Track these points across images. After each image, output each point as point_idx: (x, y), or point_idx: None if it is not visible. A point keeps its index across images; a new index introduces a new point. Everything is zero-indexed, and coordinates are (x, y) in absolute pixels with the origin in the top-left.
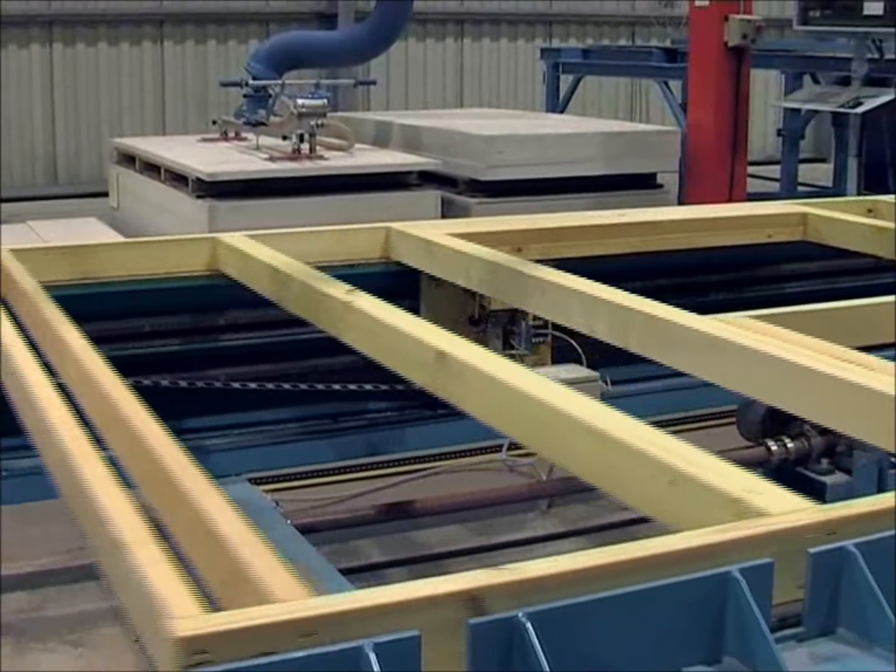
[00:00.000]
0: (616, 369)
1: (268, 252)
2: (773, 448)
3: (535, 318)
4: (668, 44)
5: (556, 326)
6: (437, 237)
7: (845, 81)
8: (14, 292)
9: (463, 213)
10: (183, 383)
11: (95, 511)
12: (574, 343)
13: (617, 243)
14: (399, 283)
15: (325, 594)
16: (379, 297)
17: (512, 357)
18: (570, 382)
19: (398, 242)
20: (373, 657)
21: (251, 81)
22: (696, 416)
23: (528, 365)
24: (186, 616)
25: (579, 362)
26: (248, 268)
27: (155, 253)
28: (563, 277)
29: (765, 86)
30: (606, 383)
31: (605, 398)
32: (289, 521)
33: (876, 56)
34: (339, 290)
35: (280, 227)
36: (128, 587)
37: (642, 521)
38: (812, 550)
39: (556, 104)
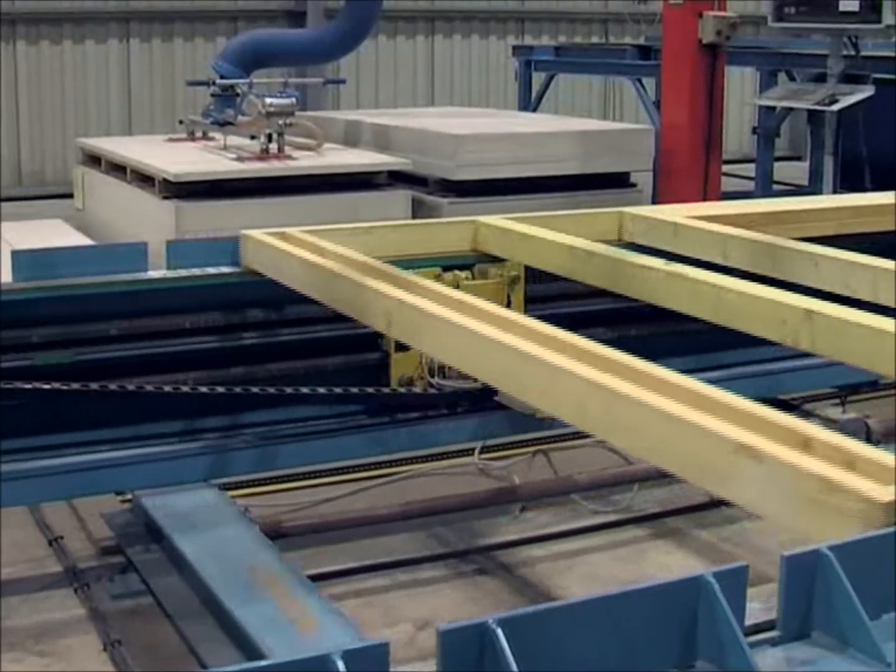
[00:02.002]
0: None
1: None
2: None
3: None
4: (641, 41)
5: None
6: (678, 219)
7: (821, 78)
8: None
9: (433, 213)
10: (150, 387)
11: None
12: None
13: (820, 226)
14: None
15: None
16: None
17: None
18: None
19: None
20: None
21: (219, 80)
22: None
23: None
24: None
25: None
26: (538, 249)
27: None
28: (834, 251)
29: (740, 83)
30: None
31: None
32: (258, 527)
33: (852, 53)
34: (657, 262)
35: (248, 227)
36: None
37: (618, 524)
38: (786, 554)
39: (529, 102)
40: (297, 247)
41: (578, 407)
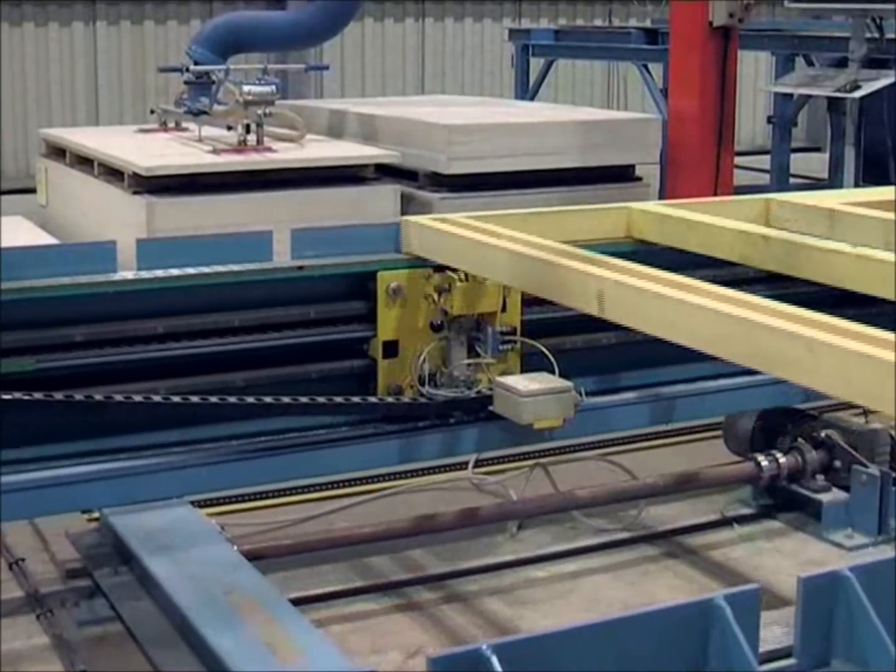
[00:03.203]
0: (589, 379)
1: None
2: (764, 463)
3: (503, 322)
4: (647, 24)
5: (524, 332)
6: (834, 206)
7: (842, 63)
8: None
9: (423, 209)
10: (118, 397)
11: None
12: (545, 350)
13: None
14: None
15: (275, 624)
16: None
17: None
18: (541, 393)
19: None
20: None
21: (193, 67)
22: (677, 430)
23: (493, 374)
24: None
25: (551, 371)
26: (705, 235)
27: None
28: None
29: (754, 69)
30: (581, 394)
31: (580, 411)
32: (235, 547)
33: (875, 35)
34: (842, 246)
35: (224, 225)
36: None
37: (622, 543)
38: (803, 575)
39: (526, 90)
40: (470, 231)
41: (844, 380)
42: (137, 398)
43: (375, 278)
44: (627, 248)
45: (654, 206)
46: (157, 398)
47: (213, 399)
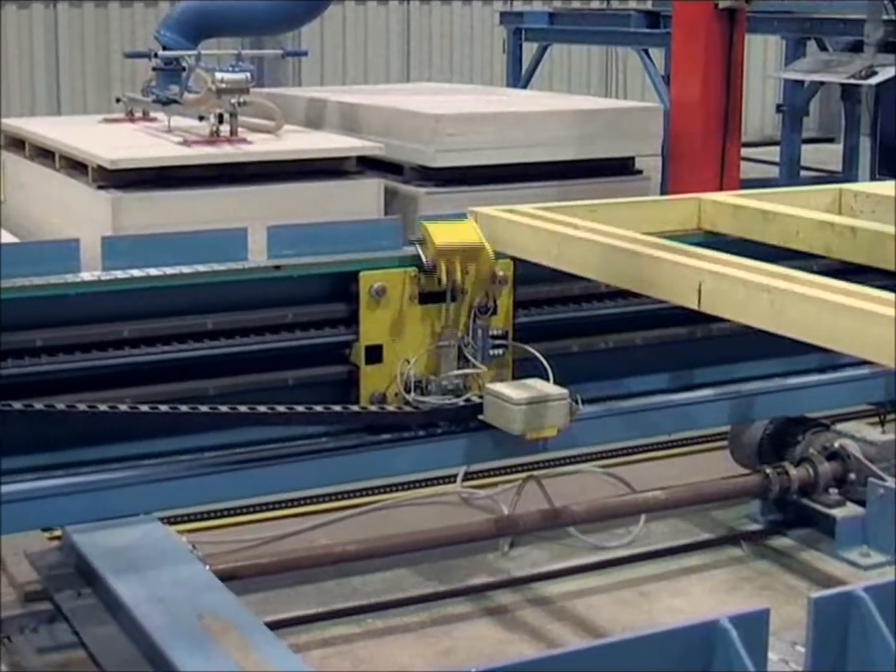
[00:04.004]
0: (585, 385)
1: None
2: (773, 476)
3: (493, 325)
4: (648, 6)
5: (516, 337)
6: None
7: (857, 48)
8: None
9: (408, 205)
10: (82, 406)
11: None
12: (539, 355)
13: None
14: None
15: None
16: None
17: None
18: (535, 401)
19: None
20: None
21: (161, 52)
22: (680, 440)
23: (483, 381)
24: None
25: (545, 377)
26: (784, 227)
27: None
28: None
29: (762, 54)
30: (577, 402)
31: (577, 420)
32: (208, 567)
33: (893, 17)
34: None
35: (195, 222)
36: None
37: (622, 561)
38: (815, 596)
39: (519, 77)
40: (543, 222)
41: None
42: (102, 407)
43: (357, 278)
44: (699, 240)
45: (726, 196)
46: (123, 407)
47: (184, 408)
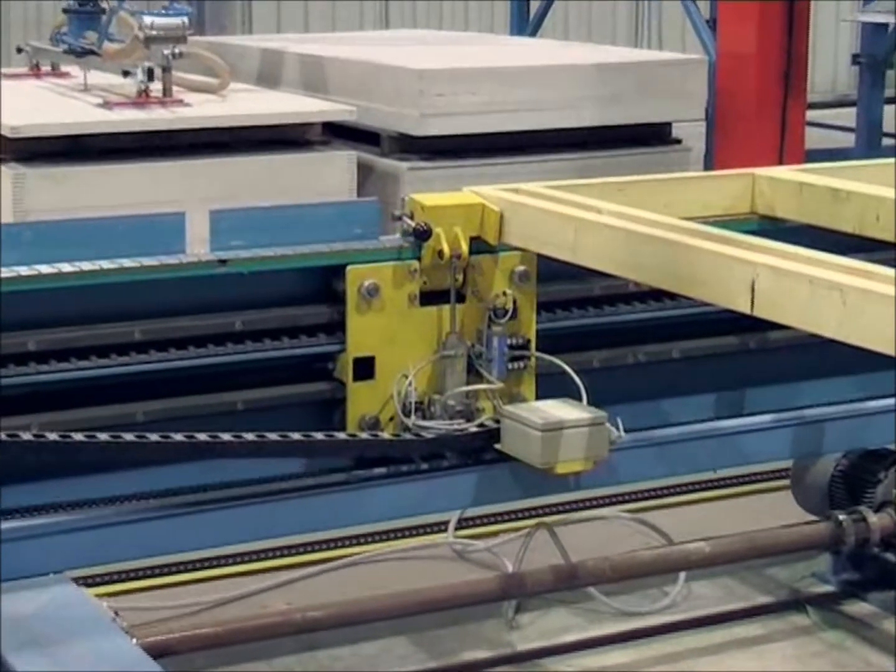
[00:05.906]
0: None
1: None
2: (847, 524)
3: (513, 334)
4: None
5: (542, 348)
6: None
7: None
8: None
9: (387, 182)
10: None
11: None
12: (568, 369)
13: None
14: None
15: None
16: None
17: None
18: (566, 426)
19: None
20: None
21: None
22: (729, 478)
23: (500, 401)
24: None
25: (577, 397)
26: (864, 210)
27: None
28: None
29: None
30: (618, 429)
31: (615, 450)
32: (134, 640)
33: None
34: None
35: (119, 204)
36: None
37: (657, 631)
38: None
39: (526, 24)
40: (558, 204)
41: None
42: (1, 436)
43: (343, 275)
44: (753, 227)
45: (787, 171)
46: (27, 436)
47: (130, 437)
